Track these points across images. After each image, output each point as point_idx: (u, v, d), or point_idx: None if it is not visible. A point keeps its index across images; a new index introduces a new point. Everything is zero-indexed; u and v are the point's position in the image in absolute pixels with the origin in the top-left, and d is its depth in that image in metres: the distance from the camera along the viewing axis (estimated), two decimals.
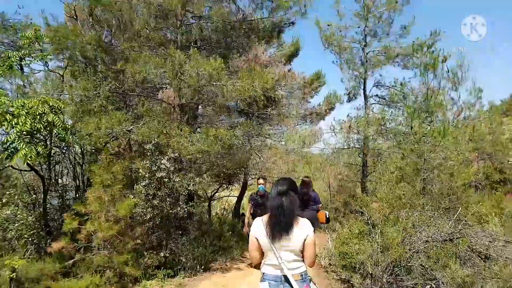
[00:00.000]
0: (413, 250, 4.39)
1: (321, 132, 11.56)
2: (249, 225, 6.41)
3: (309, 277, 2.49)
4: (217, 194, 17.53)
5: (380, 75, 11.47)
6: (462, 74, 8.46)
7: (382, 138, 10.29)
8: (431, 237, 4.36)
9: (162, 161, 5.78)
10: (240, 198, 15.63)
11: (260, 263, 2.53)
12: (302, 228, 2.37)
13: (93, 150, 7.74)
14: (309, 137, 10.92)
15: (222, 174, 11.78)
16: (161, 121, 6.80)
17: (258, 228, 2.43)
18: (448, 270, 3.76)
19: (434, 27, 9.05)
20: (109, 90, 6.93)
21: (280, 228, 2.32)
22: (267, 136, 12.10)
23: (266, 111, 11.45)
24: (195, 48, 6.83)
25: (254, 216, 6.39)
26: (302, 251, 2.38)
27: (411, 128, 6.65)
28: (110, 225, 6.14)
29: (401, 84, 10.23)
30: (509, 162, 10.60)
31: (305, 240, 2.34)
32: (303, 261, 2.43)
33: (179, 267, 6.84)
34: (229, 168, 11.01)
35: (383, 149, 10.51)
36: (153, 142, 5.92)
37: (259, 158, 11.33)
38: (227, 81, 6.22)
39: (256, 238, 2.43)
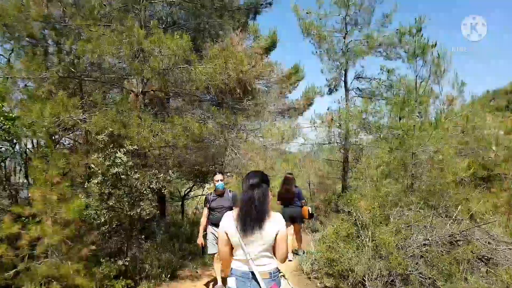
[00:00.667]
0: (409, 255, 3.77)
1: (300, 128, 10.94)
2: (205, 236, 5.47)
3: (280, 274, 2.36)
4: (192, 193, 16.78)
5: (362, 67, 10.97)
6: (444, 66, 8.03)
7: (364, 133, 9.76)
8: (429, 239, 3.75)
9: (117, 155, 4.91)
10: None
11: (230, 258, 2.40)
12: (274, 222, 2.26)
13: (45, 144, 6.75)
14: (288, 131, 10.26)
15: (195, 172, 10.95)
16: (120, 110, 5.92)
17: (228, 223, 2.31)
18: (454, 280, 3.16)
19: (416, 15, 8.60)
20: (60, 73, 5.97)
21: (251, 221, 2.21)
22: (243, 129, 11.40)
23: (242, 102, 10.74)
24: (160, 29, 5.99)
25: (212, 222, 5.34)
26: (273, 247, 2.28)
27: (400, 119, 6.08)
28: (57, 229, 5.23)
29: (388, 72, 9.72)
30: (490, 158, 10.32)
31: (276, 234, 2.25)
32: (274, 257, 2.32)
33: (141, 276, 6.00)
34: (201, 164, 10.23)
35: (365, 144, 9.99)
36: (106, 132, 5.03)
37: (235, 154, 10.57)
38: (196, 64, 5.41)
39: (225, 233, 2.31)
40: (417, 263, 3.61)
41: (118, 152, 4.89)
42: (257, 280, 2.19)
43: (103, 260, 5.61)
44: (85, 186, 5.41)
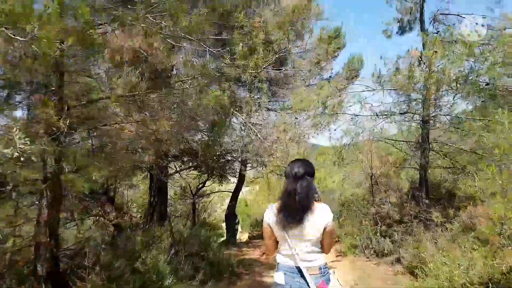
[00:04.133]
0: None
1: (351, 93, 7.32)
2: None
3: (329, 270, 2.14)
4: (206, 188, 13.62)
5: (447, 2, 7.14)
6: None
7: (458, 95, 6.00)
8: None
9: None
10: (235, 195, 11.55)
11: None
12: (321, 215, 2.07)
13: None
14: (332, 95, 6.68)
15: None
16: None
17: (270, 215, 2.16)
18: None
19: None
20: None
21: (294, 215, 2.03)
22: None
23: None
24: None
25: None
26: (321, 241, 2.11)
27: None
28: None
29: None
30: None
31: (325, 228, 2.06)
32: (322, 252, 2.14)
33: None
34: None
35: (459, 114, 6.22)
36: None
37: (255, 135, 7.18)
38: None
39: (268, 225, 2.16)
40: None
41: None
42: (304, 276, 2.00)
43: None
44: None
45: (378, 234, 6.39)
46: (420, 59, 5.81)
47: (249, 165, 11.18)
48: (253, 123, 7.46)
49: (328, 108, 6.38)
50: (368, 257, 6.54)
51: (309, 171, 2.16)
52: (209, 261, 5.05)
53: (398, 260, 5.90)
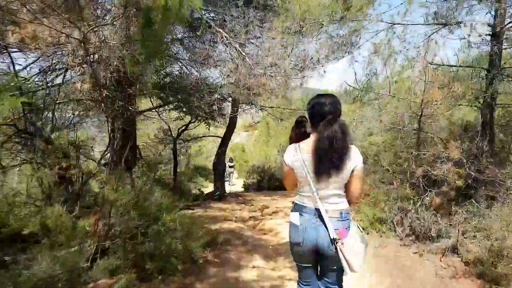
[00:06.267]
0: None
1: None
2: None
3: (350, 217, 1.98)
4: (193, 132, 11.67)
5: None
6: None
7: None
8: None
9: None
10: (224, 141, 9.60)
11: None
12: (350, 158, 1.91)
13: None
14: None
15: None
16: None
17: (295, 157, 1.99)
18: None
19: None
20: None
21: (330, 167, 1.88)
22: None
23: None
24: None
25: None
26: (346, 185, 1.96)
27: None
28: None
29: None
30: None
31: (353, 171, 1.92)
32: (345, 196, 1.99)
33: None
34: None
35: None
36: None
37: (241, 58, 5.06)
38: None
39: (290, 167, 2.02)
40: None
41: None
42: (323, 219, 1.89)
43: None
44: None
45: (423, 207, 4.35)
46: None
47: (243, 106, 9.19)
48: (240, 43, 5.23)
49: (351, 12, 4.07)
50: (401, 239, 4.56)
51: (339, 108, 2.00)
52: (150, 246, 3.20)
53: (454, 250, 3.92)
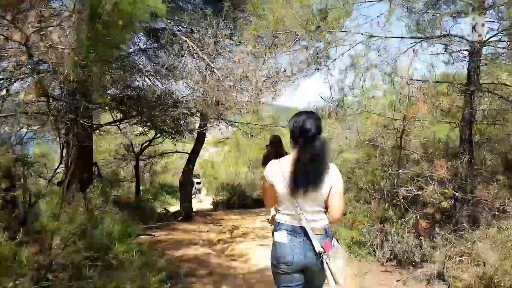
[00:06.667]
0: None
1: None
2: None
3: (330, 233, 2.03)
4: (159, 149, 11.02)
5: None
6: None
7: None
8: None
9: None
10: (192, 158, 9.05)
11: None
12: (329, 175, 1.94)
13: None
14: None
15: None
16: None
17: (275, 173, 1.99)
18: None
19: None
20: None
21: (308, 185, 1.89)
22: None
23: None
24: None
25: None
26: (326, 201, 1.98)
27: None
28: None
29: None
30: None
31: (331, 187, 1.94)
32: (325, 213, 2.02)
33: None
34: None
35: None
36: None
37: (210, 69, 4.67)
38: None
39: (270, 184, 2.01)
40: None
41: None
42: (308, 237, 1.91)
43: None
44: None
45: (405, 229, 4.03)
46: None
47: (213, 121, 8.75)
48: (209, 53, 4.85)
49: (327, 23, 3.83)
50: (382, 264, 4.19)
51: (320, 125, 2.01)
52: (99, 283, 2.66)
53: (440, 277, 3.62)
